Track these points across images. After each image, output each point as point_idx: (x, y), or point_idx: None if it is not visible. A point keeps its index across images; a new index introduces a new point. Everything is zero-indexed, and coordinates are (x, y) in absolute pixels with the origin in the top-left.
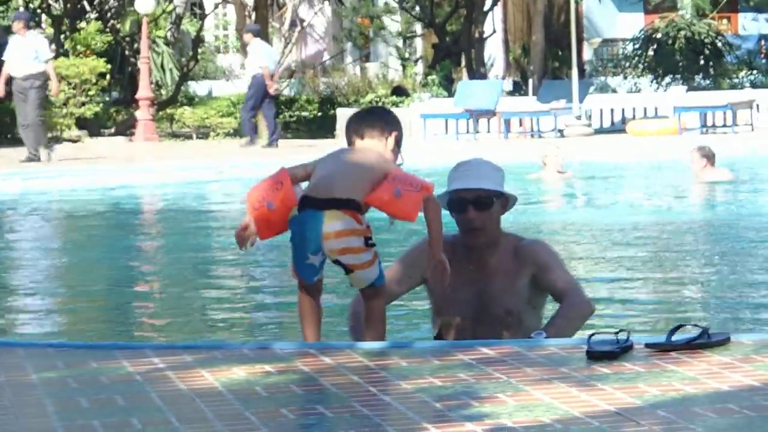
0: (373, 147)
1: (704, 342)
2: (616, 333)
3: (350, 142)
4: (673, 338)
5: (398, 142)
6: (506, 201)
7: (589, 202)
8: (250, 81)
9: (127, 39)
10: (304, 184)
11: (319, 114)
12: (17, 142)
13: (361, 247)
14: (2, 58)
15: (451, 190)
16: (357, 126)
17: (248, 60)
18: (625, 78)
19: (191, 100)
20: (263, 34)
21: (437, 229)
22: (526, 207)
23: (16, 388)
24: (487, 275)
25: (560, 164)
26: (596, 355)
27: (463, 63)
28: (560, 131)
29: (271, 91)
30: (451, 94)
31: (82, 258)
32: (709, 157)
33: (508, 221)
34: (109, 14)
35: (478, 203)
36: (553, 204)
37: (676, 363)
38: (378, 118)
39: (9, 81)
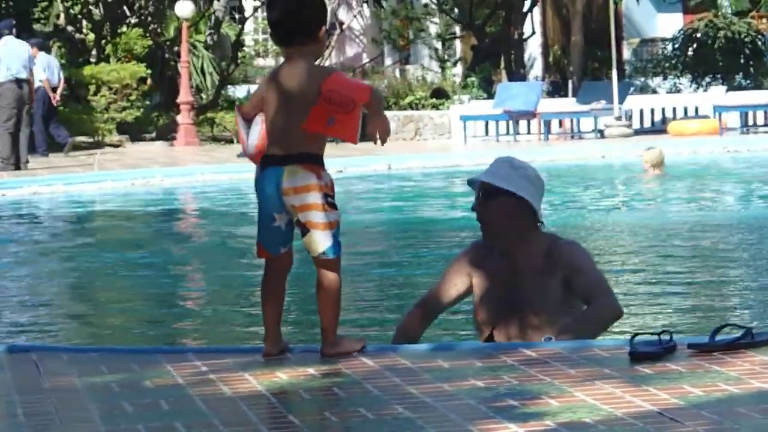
0: (300, 61)
1: (748, 342)
2: (659, 334)
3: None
4: (717, 338)
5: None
6: (525, 203)
7: (673, 201)
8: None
9: (168, 43)
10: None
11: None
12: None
13: (320, 204)
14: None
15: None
16: (277, 39)
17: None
18: (665, 78)
19: (231, 104)
20: None
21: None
22: (607, 205)
23: (60, 394)
24: (516, 275)
25: (660, 165)
26: (639, 356)
27: (503, 64)
28: (600, 132)
29: (55, 102)
30: (490, 96)
31: (123, 263)
32: None
33: (581, 215)
34: (149, 19)
35: (483, 195)
36: (644, 203)
37: (719, 363)
38: (296, 20)
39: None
